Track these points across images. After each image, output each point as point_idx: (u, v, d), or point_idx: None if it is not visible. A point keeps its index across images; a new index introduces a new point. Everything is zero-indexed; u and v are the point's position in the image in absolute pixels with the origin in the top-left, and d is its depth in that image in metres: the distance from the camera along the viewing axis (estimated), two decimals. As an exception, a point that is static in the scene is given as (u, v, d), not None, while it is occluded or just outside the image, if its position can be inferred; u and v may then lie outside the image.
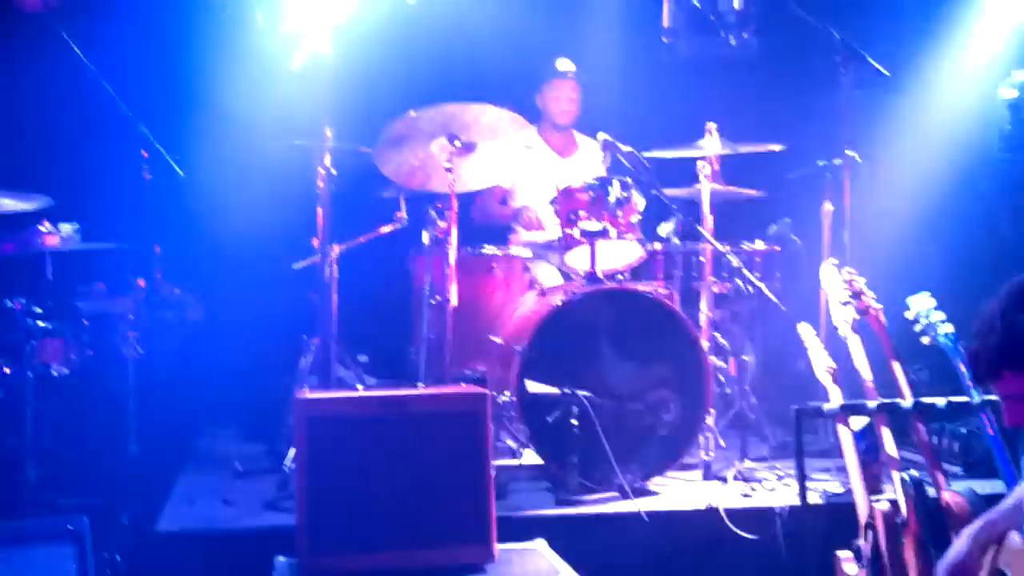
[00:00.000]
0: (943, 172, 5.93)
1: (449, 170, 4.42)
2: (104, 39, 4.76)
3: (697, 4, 6.04)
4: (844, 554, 3.37)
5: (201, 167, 5.09)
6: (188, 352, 4.96)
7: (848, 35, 4.96)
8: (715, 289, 4.84)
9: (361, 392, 3.83)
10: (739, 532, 4.06)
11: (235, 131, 5.49)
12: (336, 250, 4.64)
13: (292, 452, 4.12)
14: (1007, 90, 5.81)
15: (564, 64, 5.50)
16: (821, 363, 3.74)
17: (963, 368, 3.77)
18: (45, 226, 4.45)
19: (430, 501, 3.52)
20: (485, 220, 5.55)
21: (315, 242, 4.53)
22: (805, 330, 3.85)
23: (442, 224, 4.51)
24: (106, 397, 4.44)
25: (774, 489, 4.31)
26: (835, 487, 4.22)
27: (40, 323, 4.23)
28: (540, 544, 3.68)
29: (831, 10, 5.08)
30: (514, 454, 4.46)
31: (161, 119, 4.90)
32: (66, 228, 4.52)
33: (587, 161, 5.51)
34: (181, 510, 4.15)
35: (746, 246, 5.05)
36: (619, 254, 4.77)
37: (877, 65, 4.94)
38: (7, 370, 4.14)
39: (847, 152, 4.95)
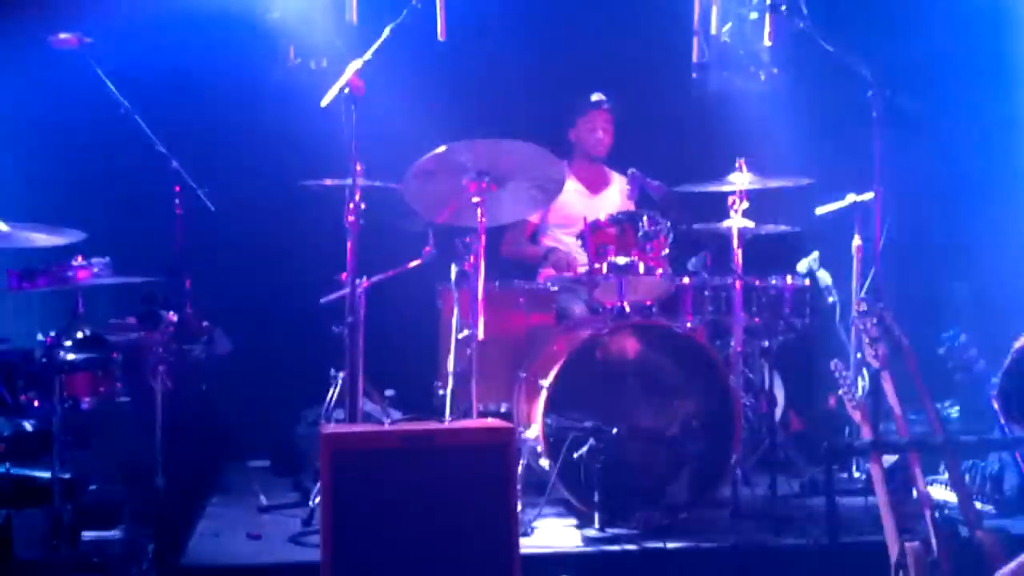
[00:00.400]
0: (974, 209, 5.88)
1: (478, 205, 4.43)
2: (137, 75, 4.83)
3: (727, 39, 6.06)
4: (875, 594, 3.31)
5: (232, 202, 5.14)
6: (216, 386, 4.98)
7: (878, 70, 4.94)
8: (744, 324, 4.80)
9: (387, 426, 3.82)
10: (767, 571, 4.00)
11: (265, 166, 5.54)
12: (364, 284, 4.65)
13: (318, 486, 4.11)
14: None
15: (597, 96, 5.52)
16: (852, 399, 3.70)
17: (995, 405, 3.72)
18: (78, 260, 4.49)
19: (455, 536, 3.49)
20: (514, 256, 5.55)
21: (343, 276, 4.54)
22: (836, 366, 3.82)
23: (470, 258, 4.51)
24: (134, 430, 4.45)
25: (804, 527, 4.25)
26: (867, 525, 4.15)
27: (70, 356, 4.25)
28: (565, 581, 3.65)
29: (861, 46, 5.07)
30: (540, 490, 4.42)
31: (193, 155, 4.96)
32: (98, 262, 4.55)
33: (618, 196, 5.51)
34: (206, 543, 4.15)
35: (775, 281, 5.02)
36: (647, 288, 4.75)
37: (906, 100, 4.91)
38: (36, 403, 4.16)
39: (877, 187, 4.92)
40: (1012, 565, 2.71)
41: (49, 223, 4.44)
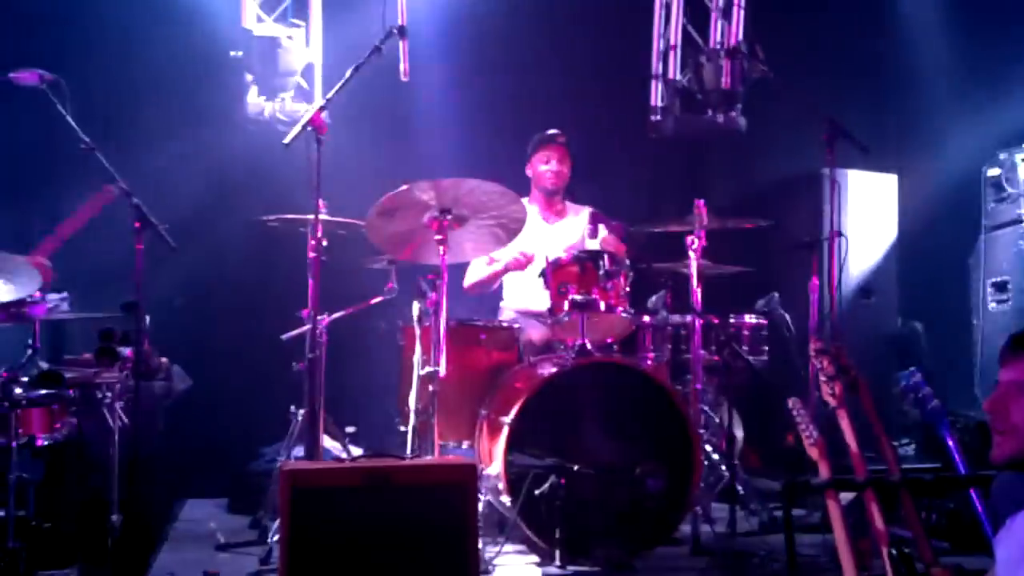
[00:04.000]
0: (929, 249, 6.00)
1: (440, 243, 4.45)
2: (98, 111, 4.82)
3: (685, 84, 6.17)
4: (833, 630, 3.33)
5: (193, 238, 5.12)
6: (174, 423, 4.94)
7: (833, 113, 5.04)
8: (704, 362, 4.85)
9: (347, 462, 3.80)
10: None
11: (228, 203, 5.54)
12: (326, 321, 4.64)
13: (276, 524, 4.07)
14: (992, 169, 5.93)
15: (552, 131, 5.54)
16: (809, 437, 3.73)
17: (950, 443, 3.78)
18: (35, 295, 4.45)
19: (415, 574, 3.47)
20: (477, 285, 5.52)
21: (304, 313, 4.53)
22: (794, 404, 3.85)
23: (432, 295, 4.53)
24: (90, 467, 4.39)
25: (763, 564, 4.27)
26: (824, 562, 4.18)
27: (25, 392, 4.20)
28: (526, 619, 3.63)
29: (816, 89, 5.19)
30: (501, 527, 4.41)
31: (154, 191, 4.94)
32: (55, 297, 4.52)
33: (575, 228, 5.53)
34: (163, 581, 4.09)
35: (734, 320, 5.08)
36: (608, 326, 4.78)
37: (860, 143, 5.00)
38: (-9, 438, 4.10)
39: (833, 229, 4.99)
40: None
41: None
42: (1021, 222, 5.72)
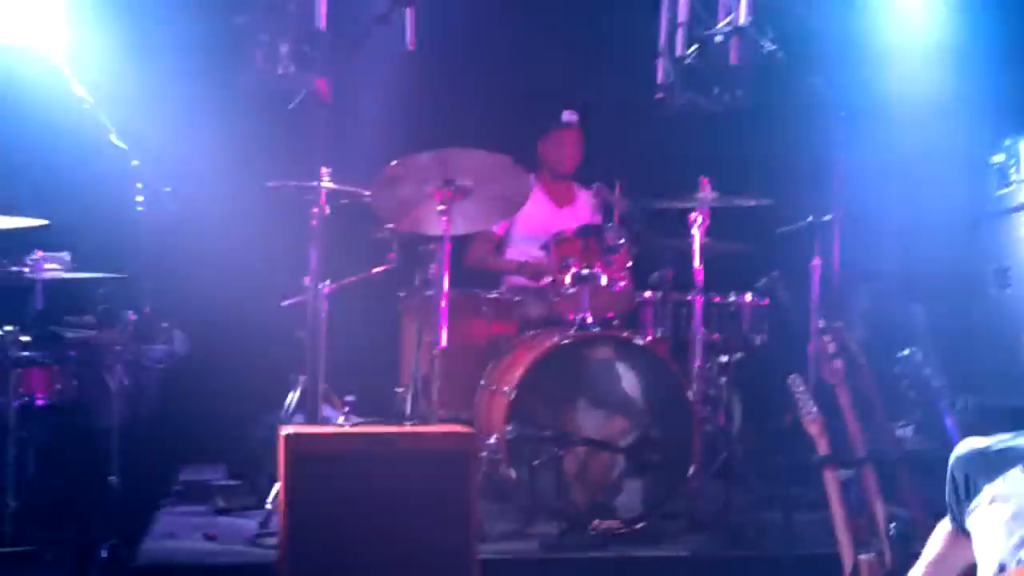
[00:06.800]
0: (931, 233, 6.00)
1: (443, 213, 4.44)
2: (103, 71, 4.79)
3: (691, 61, 6.14)
4: (829, 605, 3.35)
5: (196, 202, 5.10)
6: (174, 386, 4.94)
7: (840, 94, 5.03)
8: (704, 340, 4.85)
9: (348, 428, 3.81)
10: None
11: (231, 168, 5.52)
12: (327, 289, 4.64)
13: (275, 489, 4.09)
14: (996, 155, 5.92)
15: (568, 115, 5.53)
16: (809, 415, 3.75)
17: (948, 422, 3.80)
18: (37, 254, 4.44)
19: (414, 540, 3.50)
20: (480, 267, 5.53)
21: (306, 280, 4.53)
22: (794, 382, 3.87)
23: (433, 266, 4.53)
24: (90, 429, 4.40)
25: (759, 539, 4.29)
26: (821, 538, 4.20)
27: (26, 352, 4.20)
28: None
29: (823, 69, 5.16)
30: (500, 496, 4.43)
31: (158, 154, 4.93)
32: (58, 256, 4.51)
33: (586, 210, 5.54)
34: (161, 544, 4.11)
35: (735, 298, 5.08)
36: (610, 300, 4.79)
37: (865, 125, 4.99)
38: (-10, 398, 4.10)
39: (837, 209, 4.99)
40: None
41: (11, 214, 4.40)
42: (1024, 209, 5.72)
